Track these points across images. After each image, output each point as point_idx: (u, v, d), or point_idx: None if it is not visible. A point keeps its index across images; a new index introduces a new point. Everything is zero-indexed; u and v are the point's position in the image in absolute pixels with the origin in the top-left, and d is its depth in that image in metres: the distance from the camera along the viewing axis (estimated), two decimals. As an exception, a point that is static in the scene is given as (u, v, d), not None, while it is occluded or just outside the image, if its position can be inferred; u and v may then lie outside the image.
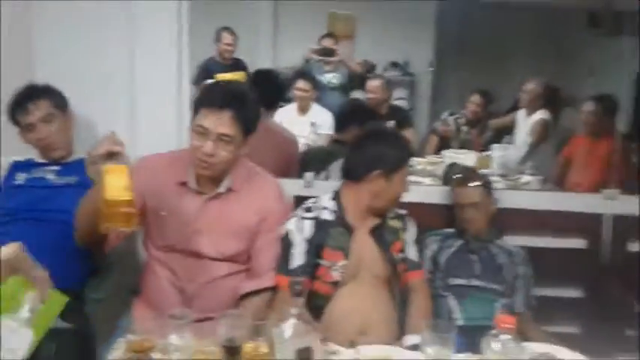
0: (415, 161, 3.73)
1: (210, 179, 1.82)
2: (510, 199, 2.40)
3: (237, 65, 4.48)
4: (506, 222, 2.36)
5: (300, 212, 1.94)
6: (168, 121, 2.35)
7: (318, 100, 4.26)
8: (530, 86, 4.09)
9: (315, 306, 1.81)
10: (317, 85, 4.33)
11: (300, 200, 2.22)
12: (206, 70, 4.41)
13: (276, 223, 1.88)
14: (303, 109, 4.13)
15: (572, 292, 2.44)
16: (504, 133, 4.35)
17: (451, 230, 2.29)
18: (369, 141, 1.96)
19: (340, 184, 1.99)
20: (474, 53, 5.71)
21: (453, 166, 2.66)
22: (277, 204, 1.90)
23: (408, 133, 4.02)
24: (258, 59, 5.55)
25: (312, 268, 1.86)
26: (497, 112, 4.84)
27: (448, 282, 2.16)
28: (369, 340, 1.72)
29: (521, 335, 2.11)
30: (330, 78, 4.76)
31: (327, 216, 1.92)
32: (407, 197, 1.99)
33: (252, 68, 4.49)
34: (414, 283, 1.98)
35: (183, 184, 1.84)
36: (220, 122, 1.71)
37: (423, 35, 5.87)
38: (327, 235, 1.89)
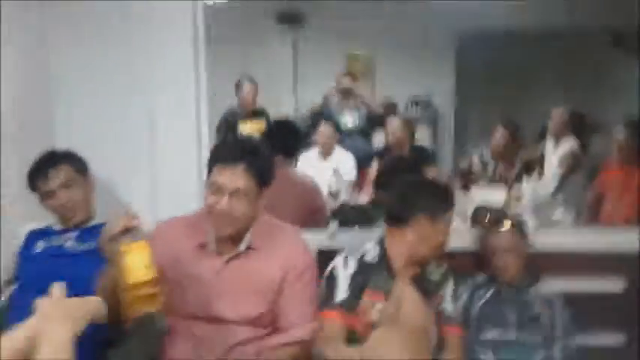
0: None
1: (230, 239, 1.77)
2: (543, 240, 2.29)
3: (258, 114, 4.48)
4: (541, 266, 2.25)
5: (344, 252, 1.94)
6: (189, 181, 2.34)
7: (340, 143, 4.23)
8: (557, 113, 3.99)
9: (350, 344, 1.79)
10: (338, 128, 4.30)
11: (323, 254, 2.17)
12: (227, 121, 4.42)
13: (301, 276, 1.81)
14: (326, 154, 4.10)
15: (614, 339, 2.30)
16: (534, 165, 4.22)
17: (481, 278, 2.19)
18: (414, 186, 2.00)
19: (383, 230, 1.97)
20: (497, 84, 5.68)
21: (481, 209, 2.57)
22: (301, 256, 1.84)
23: (431, 172, 3.96)
24: (281, 106, 5.59)
25: (354, 303, 1.84)
26: (525, 143, 4.75)
27: (480, 336, 2.06)
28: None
29: None
30: (349, 120, 4.71)
31: (370, 258, 1.91)
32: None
33: (274, 115, 4.54)
34: (449, 339, 1.91)
35: (202, 246, 1.79)
36: (234, 177, 1.69)
37: (444, 70, 5.84)
38: (370, 276, 1.88)
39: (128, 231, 1.49)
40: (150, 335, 1.78)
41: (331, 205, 3.27)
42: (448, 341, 1.90)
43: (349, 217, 2.73)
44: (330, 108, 4.74)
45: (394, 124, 4.04)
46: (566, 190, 3.81)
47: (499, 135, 4.19)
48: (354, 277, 1.86)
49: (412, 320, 1.82)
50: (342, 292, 1.86)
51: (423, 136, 5.44)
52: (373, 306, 1.83)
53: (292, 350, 1.77)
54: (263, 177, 1.75)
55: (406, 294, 1.85)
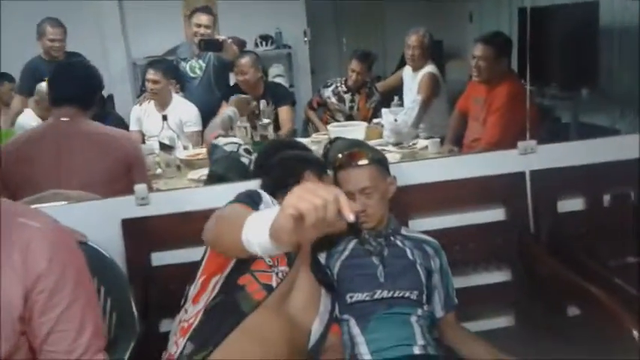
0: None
1: None
2: (409, 174, 1.90)
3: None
4: (410, 205, 1.86)
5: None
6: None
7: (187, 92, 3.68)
8: (414, 38, 3.62)
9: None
10: (176, 75, 3.66)
11: (130, 224, 1.61)
12: (31, 72, 3.63)
13: (55, 292, 1.13)
14: (161, 104, 3.47)
15: (498, 276, 1.97)
16: (393, 95, 3.89)
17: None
18: (296, 154, 1.72)
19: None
20: (352, 17, 5.36)
21: (333, 143, 2.11)
22: (52, 265, 1.13)
23: (283, 112, 3.51)
24: (109, 52, 4.80)
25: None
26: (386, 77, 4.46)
27: (346, 300, 1.62)
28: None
29: (446, 343, 1.69)
30: (196, 66, 4.02)
31: None
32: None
33: (102, 63, 3.82)
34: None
35: None
36: None
37: (293, 5, 5.35)
38: None
39: None
40: None
41: (166, 157, 2.83)
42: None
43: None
44: (179, 54, 4.03)
45: (244, 61, 3.49)
46: (429, 119, 3.51)
47: (353, 67, 3.85)
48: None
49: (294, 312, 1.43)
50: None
51: (276, 76, 4.96)
52: (274, 269, 1.40)
53: None
54: None
55: (301, 280, 1.47)
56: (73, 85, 2.12)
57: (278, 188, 1.52)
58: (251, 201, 1.42)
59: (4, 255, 1.10)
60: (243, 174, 2.11)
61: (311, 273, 1.52)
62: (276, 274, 1.39)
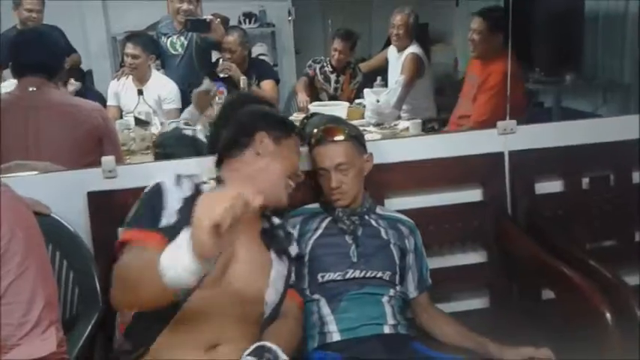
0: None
1: None
2: (386, 152, 1.85)
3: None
4: (385, 183, 1.82)
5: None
6: None
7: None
8: (399, 17, 3.56)
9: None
10: (155, 51, 3.56)
11: (96, 197, 1.56)
12: (6, 43, 3.51)
13: (2, 262, 1.08)
14: (139, 79, 3.38)
15: (474, 258, 1.95)
16: (377, 76, 3.84)
17: (315, 206, 1.70)
18: (253, 111, 1.53)
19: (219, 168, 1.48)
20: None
21: (310, 119, 2.05)
22: (1, 232, 1.08)
23: (267, 85, 3.45)
24: (88, 26, 4.67)
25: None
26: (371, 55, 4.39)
27: (317, 279, 1.58)
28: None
29: (419, 323, 1.67)
30: (177, 43, 3.92)
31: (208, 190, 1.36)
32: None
33: (79, 35, 3.72)
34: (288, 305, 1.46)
35: None
36: None
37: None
38: None
39: None
40: None
41: (141, 133, 2.76)
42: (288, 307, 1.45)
43: (173, 148, 2.19)
44: (160, 29, 3.92)
45: (230, 39, 3.45)
46: (412, 99, 3.47)
47: (336, 46, 3.79)
48: (188, 203, 1.26)
49: (239, 285, 1.33)
50: (169, 216, 1.30)
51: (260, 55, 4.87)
52: None
53: None
54: None
55: (240, 253, 1.35)
56: (38, 52, 2.02)
57: (230, 149, 1.45)
58: (147, 217, 1.30)
59: None
60: (190, 147, 2.11)
61: (259, 241, 1.43)
62: None
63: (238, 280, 1.33)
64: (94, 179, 1.68)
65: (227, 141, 1.47)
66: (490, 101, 2.82)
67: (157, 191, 1.33)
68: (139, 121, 2.82)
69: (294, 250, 1.53)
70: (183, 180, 1.36)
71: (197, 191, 1.34)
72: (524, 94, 2.95)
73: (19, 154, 1.89)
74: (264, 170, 1.42)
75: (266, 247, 1.43)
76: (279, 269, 1.42)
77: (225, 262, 1.32)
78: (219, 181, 1.43)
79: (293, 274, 1.50)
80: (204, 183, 1.41)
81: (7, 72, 3.52)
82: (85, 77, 4.11)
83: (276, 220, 1.50)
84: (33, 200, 1.49)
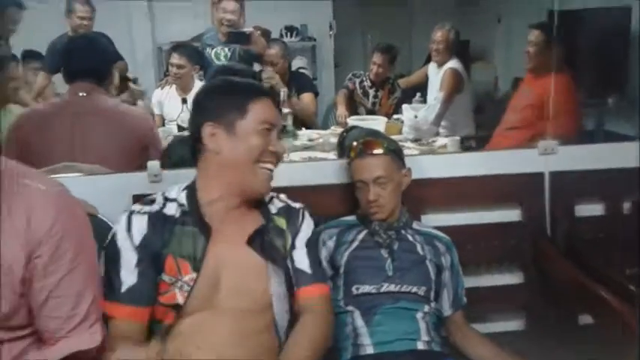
0: (315, 134, 3.23)
1: None
2: (425, 168, 1.86)
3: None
4: (423, 199, 1.82)
5: (133, 207, 1.37)
6: None
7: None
8: (439, 33, 3.56)
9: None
10: (200, 61, 3.65)
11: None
12: (58, 49, 3.63)
13: (54, 256, 1.13)
14: (183, 89, 3.47)
15: (511, 279, 1.93)
16: (417, 92, 3.84)
17: (352, 218, 1.72)
18: (208, 88, 1.49)
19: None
20: (378, 14, 5.29)
21: (349, 131, 2.07)
22: (51, 223, 1.12)
23: (307, 98, 3.51)
24: (135, 36, 4.81)
25: (148, 289, 1.28)
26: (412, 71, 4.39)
27: (352, 291, 1.59)
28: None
29: (453, 342, 1.65)
30: (222, 54, 4.01)
31: (171, 211, 1.33)
32: (299, 179, 1.64)
33: (126, 44, 3.83)
34: (305, 304, 1.38)
35: None
36: None
37: (319, -2, 5.32)
38: (171, 238, 1.30)
39: None
40: None
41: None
42: (305, 307, 1.38)
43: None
44: (205, 40, 4.02)
45: (273, 51, 3.51)
46: (451, 116, 3.45)
47: (375, 60, 3.81)
48: (144, 248, 1.28)
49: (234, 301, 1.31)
50: (128, 274, 1.28)
51: (299, 68, 4.92)
52: (176, 282, 1.28)
53: None
54: None
55: (228, 261, 1.32)
56: (88, 58, 2.09)
57: (193, 155, 1.38)
58: (113, 283, 1.27)
59: (8, 215, 1.10)
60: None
61: (250, 251, 1.34)
62: (180, 287, 1.28)
63: (233, 291, 1.30)
64: (139, 183, 1.73)
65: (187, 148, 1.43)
66: (538, 115, 2.78)
67: (113, 247, 1.30)
68: (181, 129, 2.89)
69: (302, 237, 1.44)
70: (136, 218, 1.31)
71: (153, 225, 1.30)
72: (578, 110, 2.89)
73: (67, 157, 1.95)
74: (223, 166, 1.33)
75: (257, 252, 1.35)
76: (277, 275, 1.36)
77: (215, 276, 1.30)
78: (189, 188, 1.38)
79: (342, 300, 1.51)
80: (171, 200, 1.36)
81: (56, 77, 3.71)
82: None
83: (278, 204, 1.44)
84: (82, 201, 1.54)
